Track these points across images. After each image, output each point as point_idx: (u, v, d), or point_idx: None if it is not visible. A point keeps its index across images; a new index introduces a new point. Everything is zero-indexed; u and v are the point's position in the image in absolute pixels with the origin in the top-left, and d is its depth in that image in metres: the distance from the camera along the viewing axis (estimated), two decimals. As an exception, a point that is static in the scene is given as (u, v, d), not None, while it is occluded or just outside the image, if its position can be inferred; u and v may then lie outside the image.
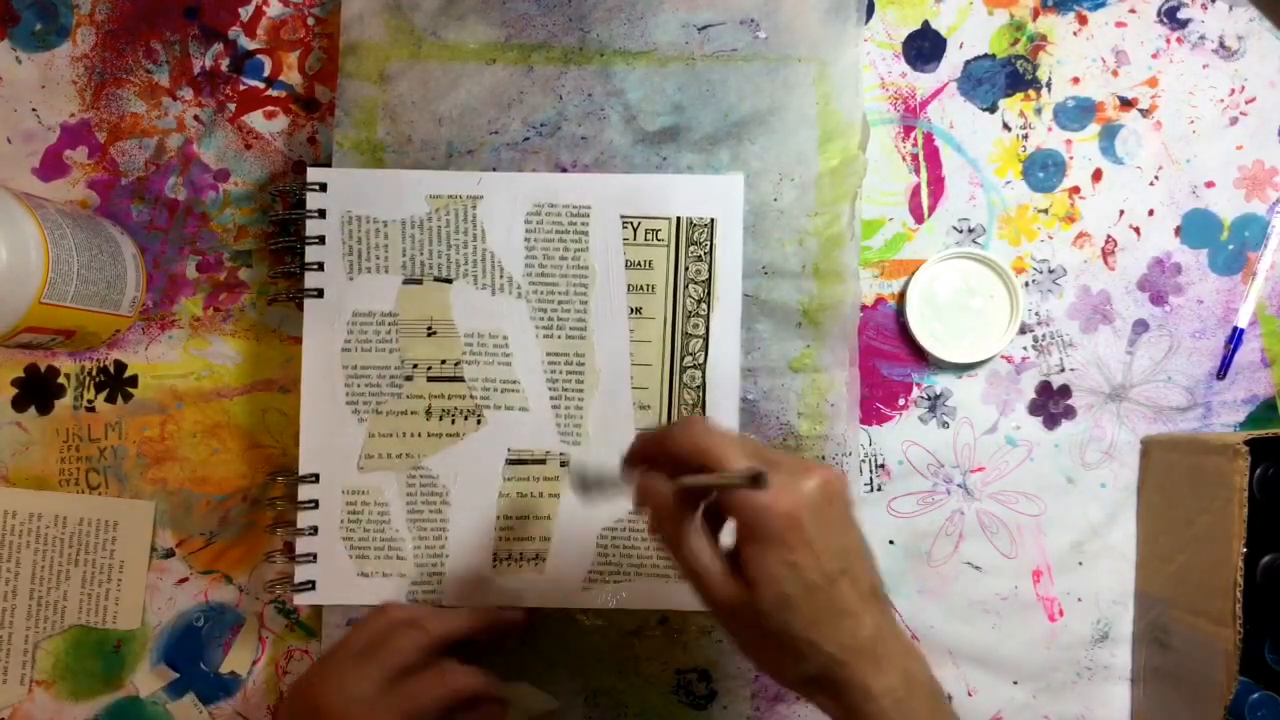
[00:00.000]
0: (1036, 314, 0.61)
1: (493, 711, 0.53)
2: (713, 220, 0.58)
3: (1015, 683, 0.60)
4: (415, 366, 0.58)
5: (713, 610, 0.44)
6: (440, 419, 0.58)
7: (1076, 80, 0.61)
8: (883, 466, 0.61)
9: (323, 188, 0.58)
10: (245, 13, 0.62)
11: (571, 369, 0.58)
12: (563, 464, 0.59)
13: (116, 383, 0.61)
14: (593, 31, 0.60)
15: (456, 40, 0.60)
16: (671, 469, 0.44)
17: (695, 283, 0.58)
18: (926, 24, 0.61)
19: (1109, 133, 0.61)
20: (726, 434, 0.44)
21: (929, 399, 0.61)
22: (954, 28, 0.61)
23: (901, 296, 0.60)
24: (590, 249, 0.58)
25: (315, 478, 0.58)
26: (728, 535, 0.44)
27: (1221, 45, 0.61)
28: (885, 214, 0.61)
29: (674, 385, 0.58)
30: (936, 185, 0.61)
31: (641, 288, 0.58)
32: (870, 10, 0.61)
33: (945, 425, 0.61)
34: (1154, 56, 0.61)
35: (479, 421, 0.59)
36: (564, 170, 0.59)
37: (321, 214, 0.58)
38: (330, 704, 0.48)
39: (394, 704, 0.48)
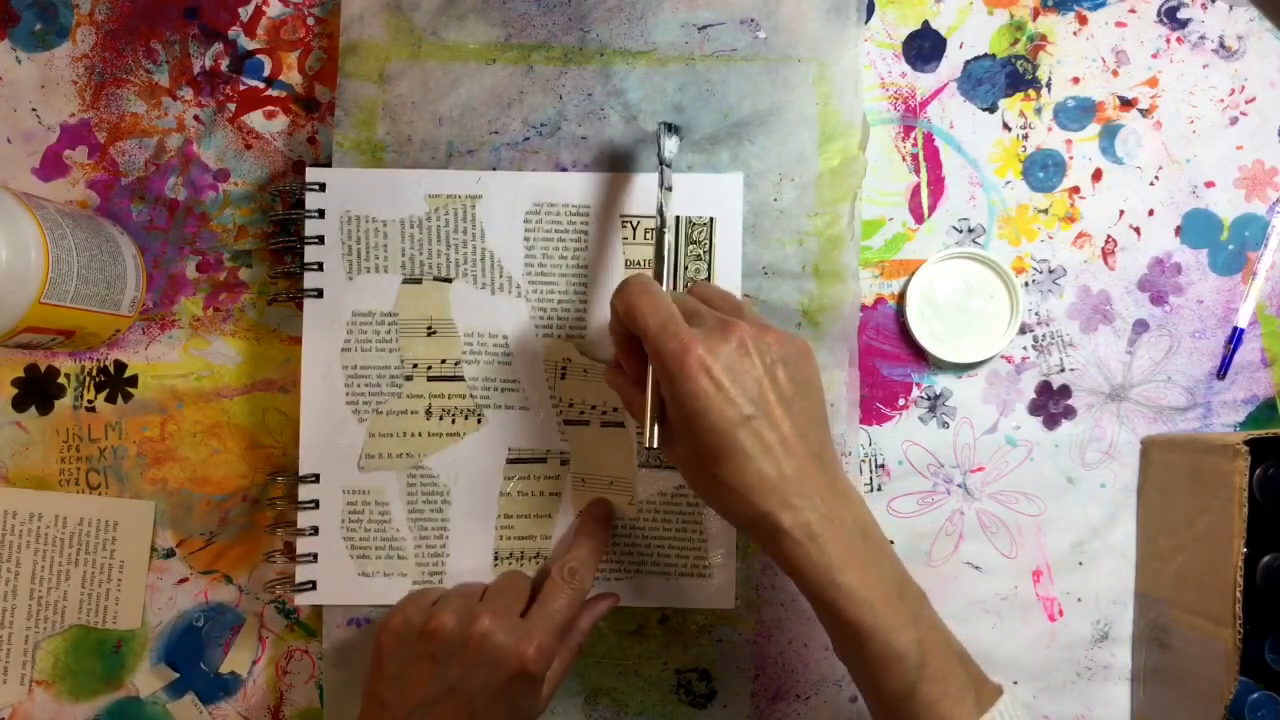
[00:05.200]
0: (1036, 314, 0.61)
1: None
2: (712, 219, 0.58)
3: (1015, 683, 0.60)
4: (415, 366, 0.58)
5: (665, 454, 0.49)
6: (440, 418, 0.58)
7: (1076, 80, 0.61)
8: (883, 466, 0.61)
9: (322, 188, 0.58)
10: (245, 13, 0.62)
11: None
12: (563, 463, 0.59)
13: (116, 383, 0.61)
14: (593, 31, 0.60)
15: (456, 40, 0.60)
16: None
17: (695, 282, 0.58)
18: (926, 24, 0.61)
19: (1109, 133, 0.61)
20: (652, 290, 0.48)
21: (929, 399, 0.61)
22: (954, 28, 0.61)
23: (901, 296, 0.60)
24: (590, 248, 0.58)
25: (315, 478, 0.58)
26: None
27: (1221, 45, 0.61)
28: (885, 214, 0.61)
29: (674, 385, 0.58)
30: (936, 185, 0.61)
31: (641, 288, 0.58)
32: (870, 10, 0.61)
33: (945, 425, 0.61)
34: (1154, 56, 0.61)
35: (479, 421, 0.59)
36: (564, 170, 0.59)
37: (321, 214, 0.58)
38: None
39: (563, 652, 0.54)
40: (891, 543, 0.60)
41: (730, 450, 0.45)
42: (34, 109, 0.61)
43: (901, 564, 0.48)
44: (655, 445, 0.48)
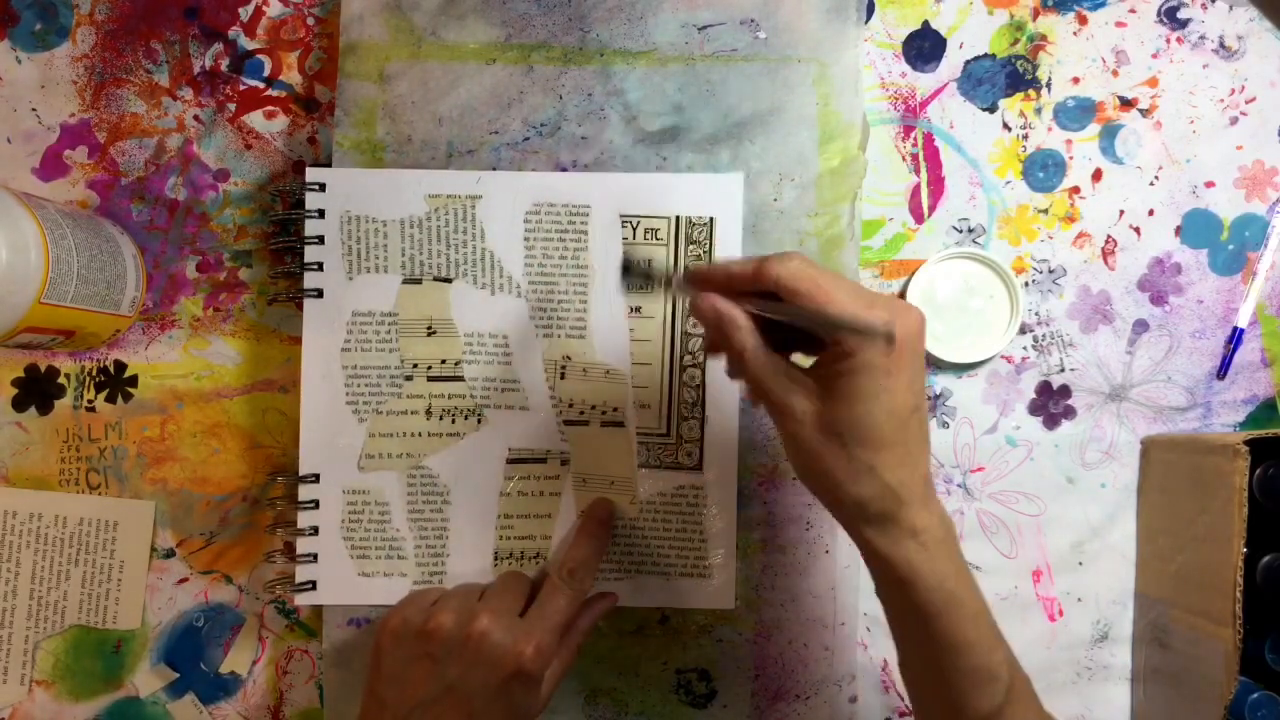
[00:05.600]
0: (1036, 314, 0.61)
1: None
2: (712, 219, 0.58)
3: (1015, 683, 0.60)
4: (415, 366, 0.58)
5: (781, 424, 0.44)
6: (440, 418, 0.58)
7: (1076, 80, 0.61)
8: (883, 466, 0.60)
9: (322, 188, 0.58)
10: (245, 13, 0.62)
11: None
12: (563, 463, 0.59)
13: (116, 383, 0.61)
14: (593, 31, 0.60)
15: (456, 40, 0.60)
16: (742, 297, 0.44)
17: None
18: (926, 24, 0.61)
19: (1109, 133, 0.61)
20: (828, 272, 0.43)
21: (929, 399, 0.61)
22: (954, 28, 0.61)
23: (901, 296, 0.60)
24: (590, 248, 0.58)
25: (315, 478, 0.58)
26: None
27: (1221, 45, 0.61)
28: (885, 214, 0.61)
29: (674, 385, 0.58)
30: (936, 185, 0.61)
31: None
32: (870, 10, 0.61)
33: (945, 425, 0.61)
34: (1154, 56, 0.61)
35: (479, 421, 0.59)
36: (564, 170, 0.59)
37: (321, 214, 0.58)
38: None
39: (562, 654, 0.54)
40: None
41: (897, 441, 0.42)
42: (34, 109, 0.61)
43: None
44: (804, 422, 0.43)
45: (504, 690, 0.50)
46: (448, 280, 0.59)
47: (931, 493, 0.44)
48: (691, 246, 0.58)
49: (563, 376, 0.58)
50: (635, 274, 0.50)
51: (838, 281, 0.43)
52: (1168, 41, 0.61)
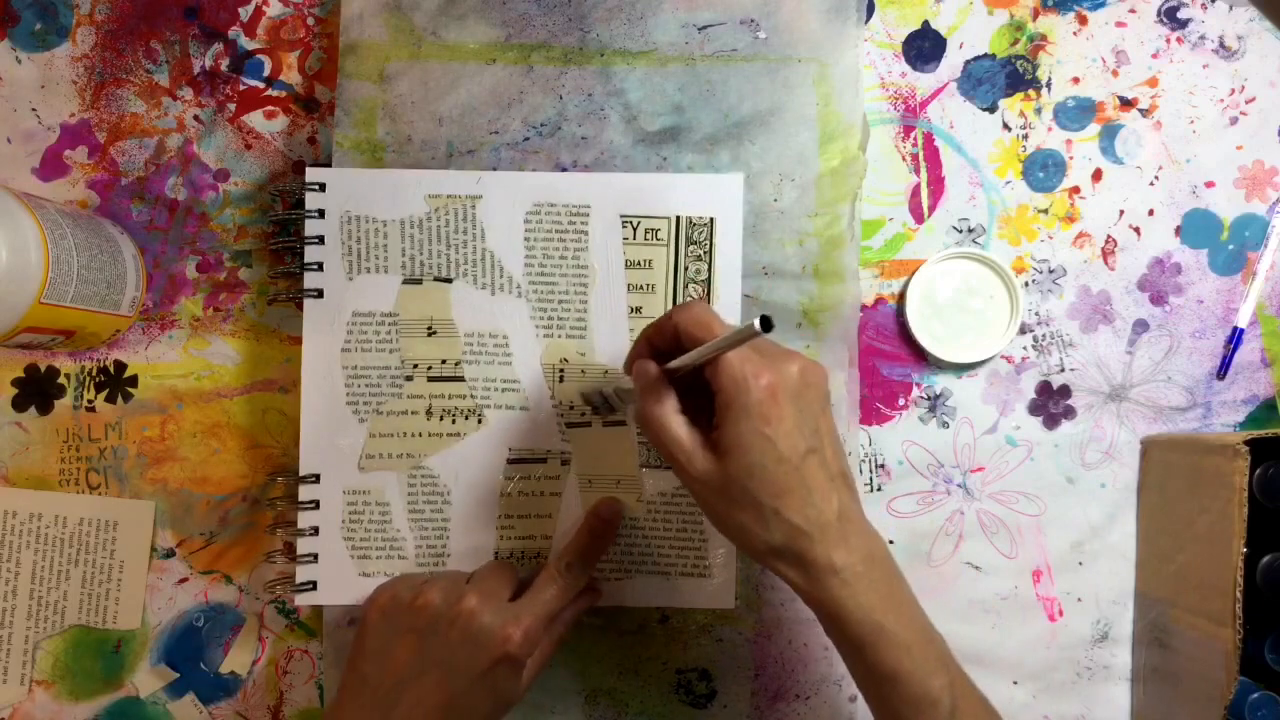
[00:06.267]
0: (1036, 314, 0.61)
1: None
2: (712, 220, 0.58)
3: (1015, 683, 0.60)
4: (415, 366, 0.58)
5: (686, 482, 0.47)
6: (441, 419, 0.58)
7: (1076, 80, 0.61)
8: (883, 466, 0.61)
9: (322, 188, 0.58)
10: (245, 13, 0.62)
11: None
12: (564, 463, 0.59)
13: (116, 383, 0.61)
14: (593, 31, 0.60)
15: (456, 40, 0.60)
16: (671, 356, 0.47)
17: (695, 282, 0.58)
18: (926, 24, 0.61)
19: (1109, 133, 0.61)
20: (717, 317, 0.46)
21: (929, 399, 0.61)
22: (954, 28, 0.61)
23: (901, 296, 0.60)
24: (590, 248, 0.58)
25: (316, 478, 0.58)
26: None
27: (1221, 45, 0.61)
28: (885, 214, 0.61)
29: (674, 385, 0.58)
30: (936, 185, 0.61)
31: (641, 287, 0.58)
32: (870, 10, 0.61)
33: (945, 425, 0.61)
34: (1154, 56, 0.61)
35: (480, 421, 0.59)
36: (564, 170, 0.59)
37: (321, 214, 0.58)
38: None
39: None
40: (891, 543, 0.60)
41: (792, 485, 0.44)
42: (34, 109, 0.61)
43: (920, 604, 0.48)
44: (698, 470, 0.46)
45: (488, 673, 0.50)
46: (448, 280, 0.58)
47: (850, 528, 0.45)
48: (692, 247, 0.58)
49: (560, 379, 0.58)
50: (598, 404, 0.55)
51: (722, 322, 0.46)
52: (1168, 41, 0.61)
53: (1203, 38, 0.61)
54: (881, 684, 0.46)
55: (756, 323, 0.41)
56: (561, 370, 0.58)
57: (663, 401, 0.47)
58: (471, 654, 0.50)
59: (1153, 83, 0.61)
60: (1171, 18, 0.61)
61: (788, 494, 0.44)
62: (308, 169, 0.58)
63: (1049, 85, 0.61)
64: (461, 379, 0.58)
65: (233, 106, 0.61)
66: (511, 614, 0.51)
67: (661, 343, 0.48)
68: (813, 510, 0.44)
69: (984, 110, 0.61)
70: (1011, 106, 0.61)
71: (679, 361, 0.46)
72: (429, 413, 0.58)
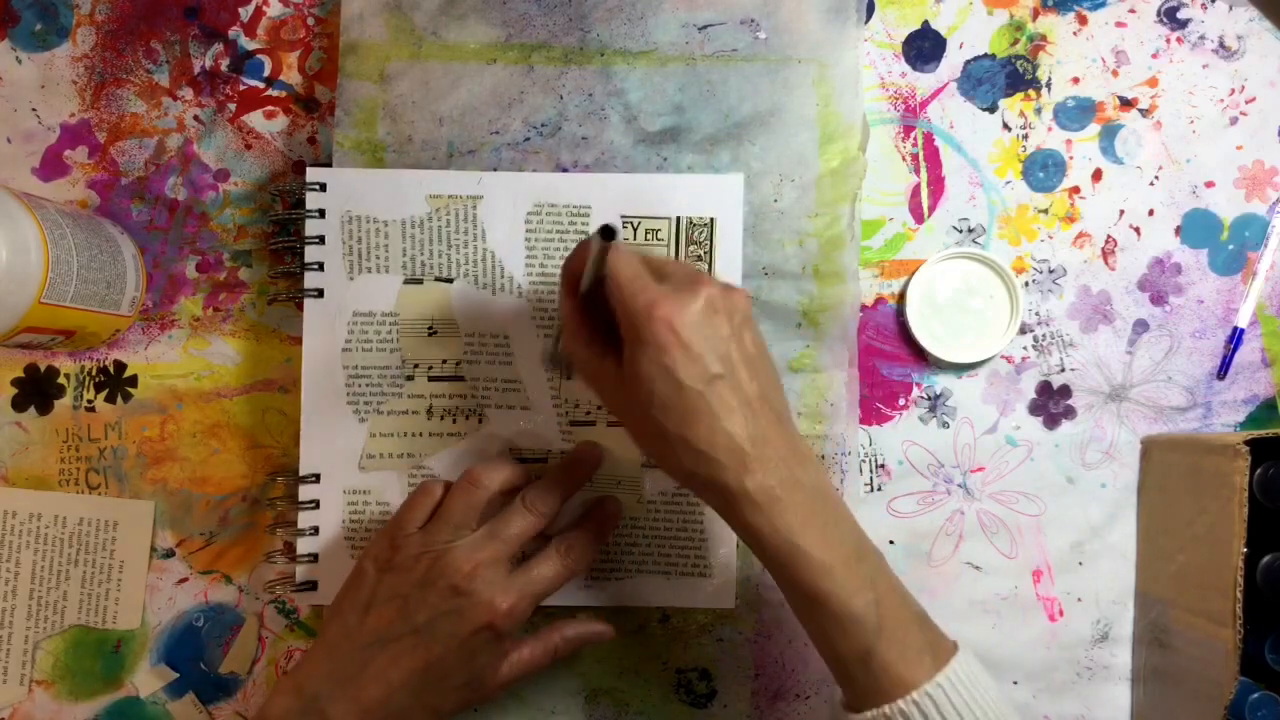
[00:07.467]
0: (1036, 314, 0.61)
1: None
2: (712, 220, 0.58)
3: (1015, 683, 0.60)
4: (416, 366, 0.58)
5: (607, 408, 0.49)
6: (442, 418, 0.58)
7: (1076, 80, 0.61)
8: (883, 466, 0.61)
9: (322, 187, 0.58)
10: (245, 13, 0.62)
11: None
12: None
13: (116, 383, 0.61)
14: (593, 31, 0.60)
15: (457, 40, 0.60)
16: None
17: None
18: (926, 24, 0.61)
19: (1109, 133, 0.61)
20: (620, 250, 0.46)
21: (929, 399, 0.61)
22: (954, 28, 0.61)
23: (901, 296, 0.60)
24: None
25: (316, 478, 0.58)
26: None
27: (1221, 45, 0.61)
28: (885, 214, 0.61)
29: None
30: (936, 185, 0.61)
31: (642, 288, 0.58)
32: (870, 10, 0.61)
33: (945, 425, 0.61)
34: (1154, 56, 0.61)
35: (480, 421, 0.59)
36: (564, 170, 0.59)
37: (321, 214, 0.58)
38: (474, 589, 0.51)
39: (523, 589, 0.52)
40: (891, 543, 0.60)
41: (697, 410, 0.45)
42: (34, 109, 0.61)
43: (859, 525, 0.48)
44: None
45: (468, 641, 0.50)
46: (449, 280, 0.58)
47: (768, 450, 0.45)
48: (692, 247, 0.58)
49: (568, 377, 0.58)
50: (560, 361, 0.55)
51: (625, 254, 0.46)
52: (1168, 41, 0.61)
53: (1203, 38, 0.61)
54: (805, 604, 0.46)
55: (595, 234, 0.44)
56: (568, 370, 0.58)
57: (576, 334, 0.49)
58: (455, 623, 0.50)
59: (1153, 83, 0.61)
60: (1171, 18, 0.61)
61: (692, 421, 0.45)
62: (308, 169, 0.58)
63: (1049, 85, 0.61)
64: (462, 379, 0.58)
65: (233, 106, 0.61)
66: (501, 587, 0.51)
67: (579, 270, 0.49)
68: (719, 435, 0.45)
69: (984, 110, 0.61)
70: (1011, 106, 0.61)
71: (584, 282, 0.48)
72: (430, 412, 0.58)
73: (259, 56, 0.62)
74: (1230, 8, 0.61)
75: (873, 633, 0.45)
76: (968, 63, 0.61)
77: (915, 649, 0.46)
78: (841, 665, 0.46)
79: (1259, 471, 0.53)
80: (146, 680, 0.60)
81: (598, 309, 0.48)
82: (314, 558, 0.58)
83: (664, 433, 0.45)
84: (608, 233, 0.43)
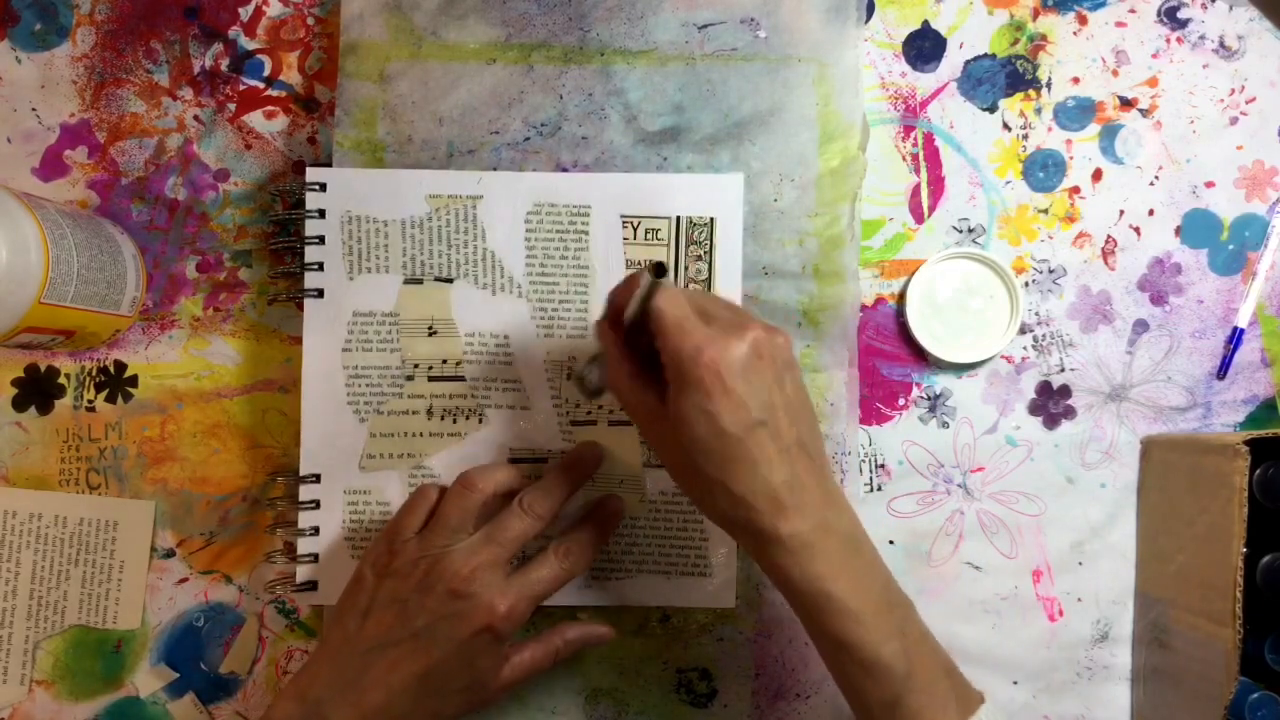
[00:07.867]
0: (1036, 314, 0.61)
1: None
2: (712, 220, 0.58)
3: (1015, 683, 0.60)
4: (416, 366, 0.58)
5: (647, 442, 0.50)
6: (442, 418, 0.58)
7: (1076, 80, 0.61)
8: (883, 466, 0.61)
9: (322, 187, 0.58)
10: (245, 13, 0.62)
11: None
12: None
13: (116, 383, 0.61)
14: (593, 31, 0.60)
15: (457, 40, 0.60)
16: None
17: (695, 282, 0.58)
18: (926, 24, 0.61)
19: (1109, 133, 0.61)
20: (668, 288, 0.46)
21: (929, 399, 0.61)
22: (954, 28, 0.61)
23: (901, 296, 0.60)
24: (590, 248, 0.58)
25: (316, 478, 0.58)
26: None
27: (1221, 45, 0.61)
28: (885, 214, 0.61)
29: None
30: (936, 185, 0.61)
31: (642, 288, 0.58)
32: (870, 10, 0.61)
33: (945, 425, 0.61)
34: (1154, 56, 0.61)
35: (481, 420, 0.59)
36: (564, 170, 0.59)
37: (321, 214, 0.58)
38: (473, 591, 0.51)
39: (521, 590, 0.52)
40: (891, 543, 0.60)
41: (736, 457, 0.45)
42: (34, 109, 0.61)
43: (889, 572, 0.49)
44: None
45: (468, 644, 0.50)
46: (449, 280, 0.58)
47: (805, 497, 0.46)
48: (692, 247, 0.58)
49: (568, 377, 0.58)
50: (591, 385, 0.53)
51: (674, 292, 0.46)
52: (1168, 41, 0.61)
53: (1203, 38, 0.61)
54: (833, 650, 0.46)
55: (646, 274, 0.43)
56: (568, 370, 0.58)
57: (619, 366, 0.49)
58: (454, 626, 0.50)
59: (1153, 83, 0.61)
60: (1171, 18, 0.61)
61: (732, 467, 0.45)
62: (308, 169, 0.58)
63: (1049, 85, 0.61)
64: (462, 379, 0.58)
65: (233, 106, 0.61)
66: (499, 589, 0.51)
67: (624, 302, 0.49)
68: (758, 482, 0.45)
69: (984, 110, 0.61)
70: (1011, 106, 0.61)
71: (628, 314, 0.48)
72: (430, 412, 0.58)
73: (259, 56, 0.62)
74: (1230, 8, 0.61)
75: (901, 681, 0.45)
76: (968, 63, 0.61)
77: (942, 698, 0.46)
78: (869, 713, 0.47)
79: (1259, 471, 0.53)
80: (146, 680, 0.60)
81: (638, 340, 0.48)
82: (314, 558, 0.58)
83: (702, 474, 0.46)
84: (659, 270, 0.44)
